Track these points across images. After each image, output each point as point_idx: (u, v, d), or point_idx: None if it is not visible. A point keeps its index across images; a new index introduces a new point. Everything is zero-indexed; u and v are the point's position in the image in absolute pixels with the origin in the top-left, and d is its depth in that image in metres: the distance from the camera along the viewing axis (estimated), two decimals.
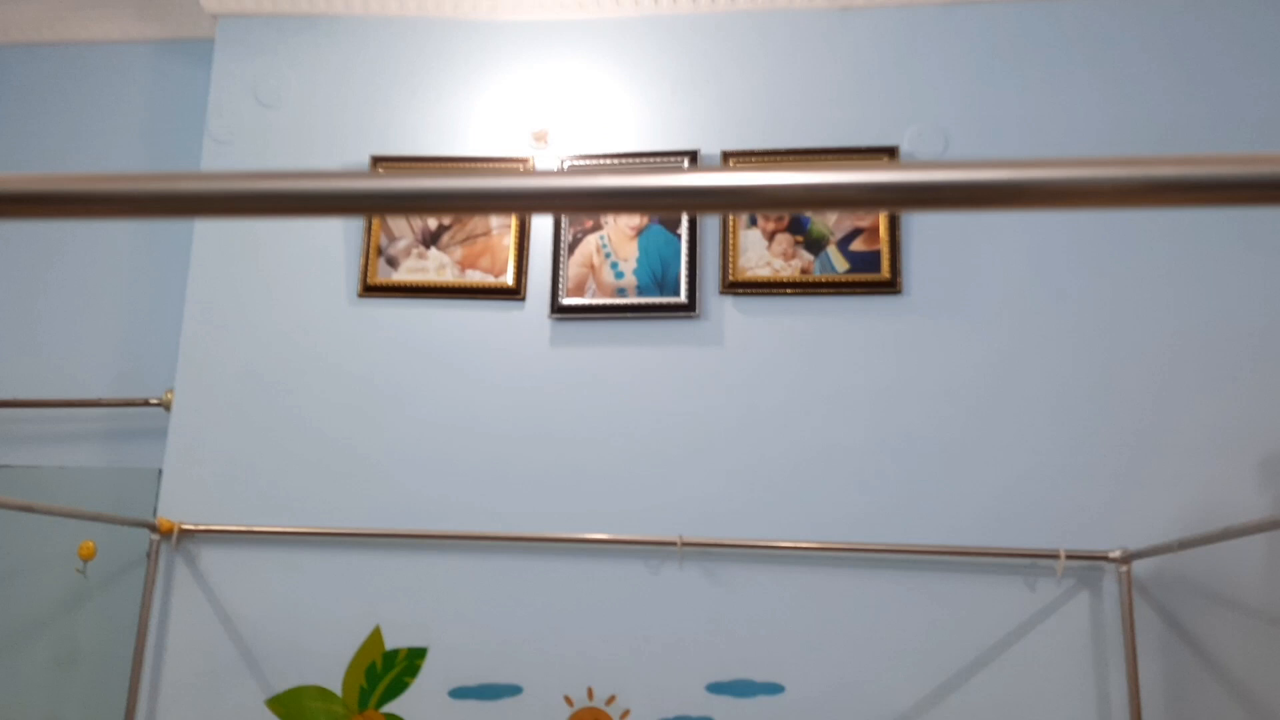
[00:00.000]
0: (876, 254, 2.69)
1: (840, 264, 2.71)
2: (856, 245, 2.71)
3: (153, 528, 2.72)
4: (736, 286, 2.73)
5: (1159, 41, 2.75)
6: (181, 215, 0.66)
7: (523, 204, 0.66)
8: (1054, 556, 2.43)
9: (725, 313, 2.74)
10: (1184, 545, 2.13)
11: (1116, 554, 2.40)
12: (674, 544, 2.57)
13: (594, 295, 2.77)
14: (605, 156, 2.86)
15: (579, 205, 0.66)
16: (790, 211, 0.63)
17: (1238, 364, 2.55)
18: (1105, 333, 2.61)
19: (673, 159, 2.83)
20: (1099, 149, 2.71)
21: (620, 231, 2.80)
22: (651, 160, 2.84)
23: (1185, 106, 2.71)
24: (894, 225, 2.70)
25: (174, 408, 2.86)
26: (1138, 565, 2.43)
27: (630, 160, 2.84)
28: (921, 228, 2.72)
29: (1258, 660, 2.37)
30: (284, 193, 0.66)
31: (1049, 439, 2.56)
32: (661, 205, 0.64)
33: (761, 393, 2.68)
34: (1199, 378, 2.55)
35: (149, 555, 2.73)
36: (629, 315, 2.76)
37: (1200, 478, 2.49)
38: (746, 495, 2.62)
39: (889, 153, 2.75)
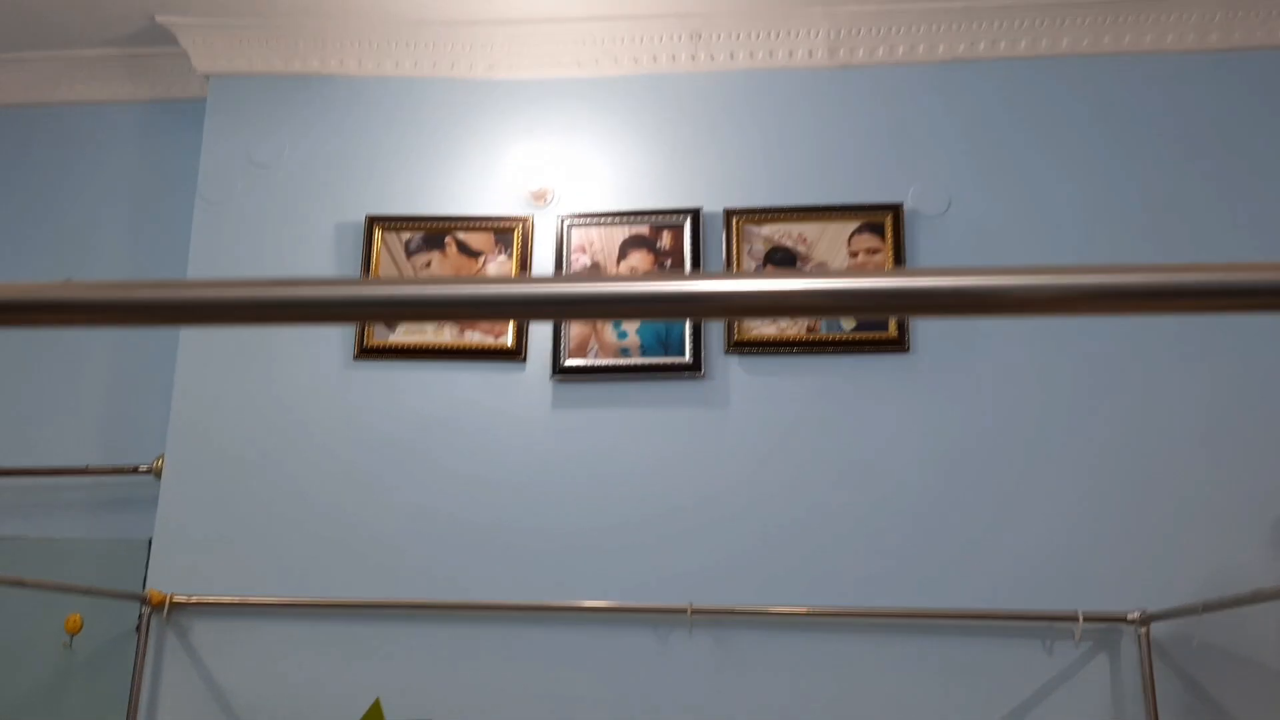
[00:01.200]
0: None
1: (846, 322, 2.68)
2: None
3: (142, 600, 2.63)
4: (742, 346, 2.70)
5: (1163, 100, 2.77)
6: (164, 324, 0.63)
7: (516, 311, 0.63)
8: (1072, 619, 2.39)
9: (731, 372, 2.71)
10: (1208, 608, 2.10)
11: (1135, 615, 2.36)
12: (684, 611, 2.50)
13: (596, 356, 2.73)
14: (605, 215, 2.84)
15: (577, 313, 0.62)
16: (771, 317, 0.60)
17: (1257, 424, 2.53)
18: (1121, 392, 2.59)
19: (674, 217, 2.80)
20: (1103, 206, 2.71)
21: None
22: (652, 218, 2.81)
23: (1189, 164, 2.72)
24: None
25: (164, 475, 2.78)
26: (1157, 628, 2.38)
27: (631, 218, 2.82)
28: None
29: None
30: (271, 301, 0.62)
31: (1063, 500, 2.53)
32: (654, 312, 0.62)
33: (770, 454, 2.64)
34: (1216, 437, 2.53)
35: (139, 628, 2.64)
36: (633, 376, 2.72)
37: (1216, 539, 2.46)
38: (756, 560, 2.57)
39: (892, 210, 2.74)
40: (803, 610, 2.50)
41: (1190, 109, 2.75)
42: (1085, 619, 2.38)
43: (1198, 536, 2.47)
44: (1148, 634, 2.35)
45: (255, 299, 0.57)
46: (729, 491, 2.62)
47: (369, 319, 0.62)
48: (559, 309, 0.62)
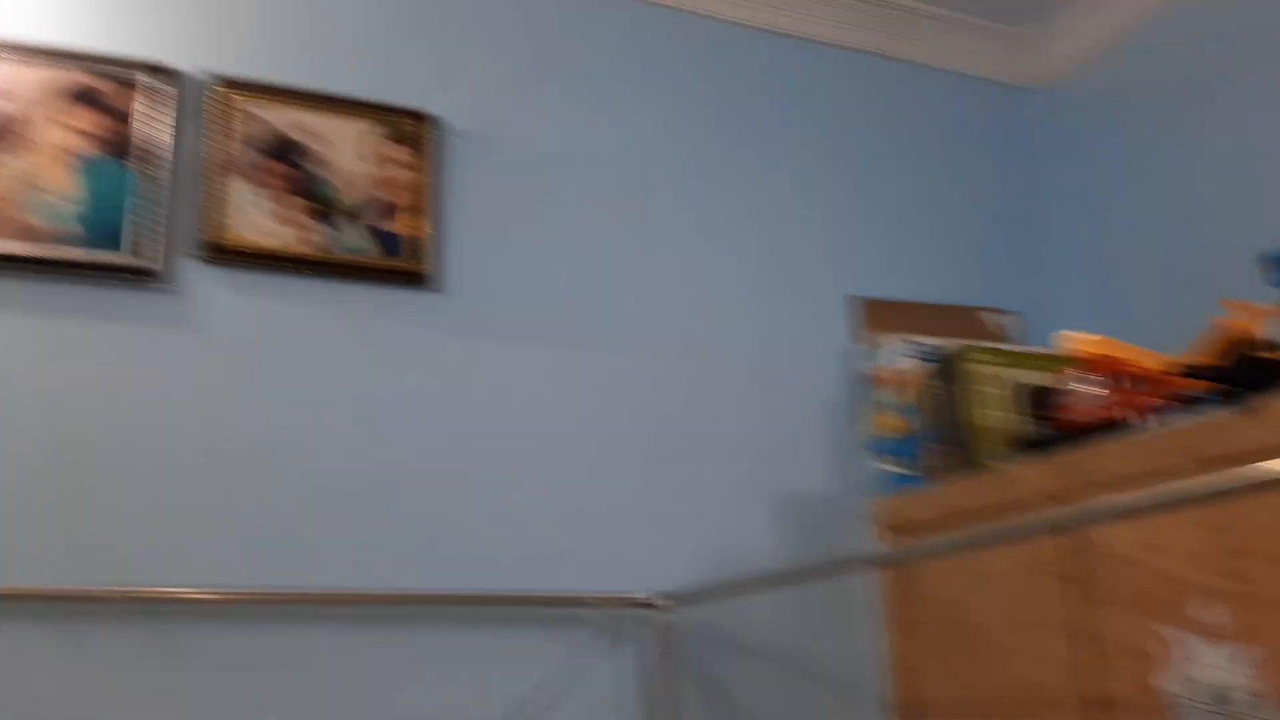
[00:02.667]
0: (415, 239, 2.19)
1: (368, 245, 2.16)
2: (389, 225, 2.18)
3: None
4: (226, 253, 2.04)
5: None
6: None
7: None
8: (578, 603, 2.13)
9: (216, 290, 2.03)
10: (719, 592, 1.97)
11: (651, 598, 2.18)
12: (108, 599, 1.78)
13: None
14: (28, 49, 1.98)
15: None
16: None
17: (751, 391, 2.50)
18: (646, 366, 2.41)
19: (141, 72, 2.04)
20: (696, 149, 2.52)
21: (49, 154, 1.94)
22: (104, 67, 2.02)
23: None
24: (437, 205, 2.23)
25: None
26: (674, 613, 2.24)
27: (69, 60, 2.00)
28: (467, 217, 2.28)
29: (779, 705, 2.30)
30: None
31: (571, 475, 2.25)
32: None
33: (252, 400, 2.02)
34: (723, 404, 2.46)
35: None
36: (36, 273, 1.91)
37: (723, 519, 2.37)
38: (198, 531, 1.94)
39: (427, 119, 2.27)
40: (248, 594, 1.89)
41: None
42: (599, 601, 2.14)
43: (703, 517, 2.36)
44: (661, 619, 2.19)
45: None
46: (177, 449, 1.95)
47: None
48: None
